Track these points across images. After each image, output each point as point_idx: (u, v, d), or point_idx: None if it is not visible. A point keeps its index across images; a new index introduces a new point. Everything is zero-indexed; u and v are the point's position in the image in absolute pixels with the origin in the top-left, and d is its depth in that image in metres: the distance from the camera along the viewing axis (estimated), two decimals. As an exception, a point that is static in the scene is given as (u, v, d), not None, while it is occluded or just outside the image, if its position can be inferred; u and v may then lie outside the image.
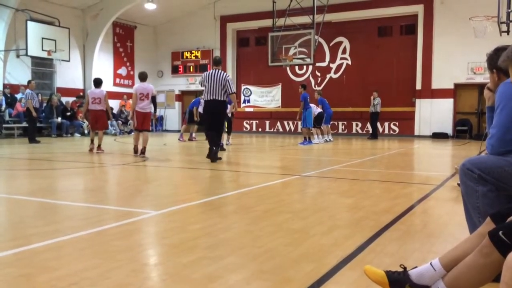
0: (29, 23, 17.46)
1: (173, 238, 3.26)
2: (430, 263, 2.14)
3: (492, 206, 2.41)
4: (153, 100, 9.84)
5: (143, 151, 9.60)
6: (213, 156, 8.49)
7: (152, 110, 9.95)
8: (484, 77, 17.91)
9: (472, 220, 2.56)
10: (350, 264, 2.69)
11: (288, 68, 20.84)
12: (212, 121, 8.70)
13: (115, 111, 21.33)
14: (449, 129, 19.03)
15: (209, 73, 8.68)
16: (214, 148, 8.56)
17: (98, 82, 10.90)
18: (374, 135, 18.21)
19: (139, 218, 3.87)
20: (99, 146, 10.65)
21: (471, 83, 18.54)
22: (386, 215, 4.03)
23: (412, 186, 6.04)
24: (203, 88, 8.76)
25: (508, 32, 12.91)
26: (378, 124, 18.93)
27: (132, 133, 20.88)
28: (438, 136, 18.79)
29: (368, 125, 19.51)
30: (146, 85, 9.78)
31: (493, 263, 1.88)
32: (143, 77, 9.86)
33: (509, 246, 1.81)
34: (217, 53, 23.53)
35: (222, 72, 8.67)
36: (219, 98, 8.56)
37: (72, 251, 2.94)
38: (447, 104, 19.06)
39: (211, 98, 8.56)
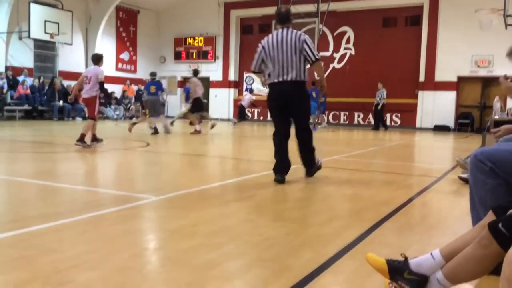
0: (32, 5, 17.37)
1: (173, 224, 3.27)
2: (431, 253, 2.15)
3: (499, 200, 2.38)
4: (100, 85, 8.27)
5: (80, 138, 7.98)
6: (311, 173, 5.55)
7: (95, 94, 8.25)
8: (488, 71, 17.84)
9: (477, 212, 2.54)
10: (349, 253, 2.70)
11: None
12: (288, 118, 5.35)
13: (117, 95, 21.33)
14: (451, 122, 18.99)
15: (271, 38, 5.10)
16: (312, 167, 5.54)
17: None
18: (379, 126, 18.18)
19: (140, 203, 3.89)
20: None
21: (475, 76, 18.45)
22: (386, 206, 4.03)
23: (412, 178, 6.04)
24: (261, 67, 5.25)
25: (513, 25, 12.83)
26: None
27: (134, 118, 21.05)
28: (439, 128, 18.76)
29: (370, 116, 19.42)
30: (91, 68, 8.43)
31: (491, 254, 1.88)
32: (92, 59, 8.52)
33: (508, 238, 1.81)
34: (220, 40, 23.39)
35: (294, 31, 5.08)
36: (295, 77, 5.01)
37: (73, 234, 2.96)
38: (450, 97, 19.00)
39: (279, 79, 5.06)
